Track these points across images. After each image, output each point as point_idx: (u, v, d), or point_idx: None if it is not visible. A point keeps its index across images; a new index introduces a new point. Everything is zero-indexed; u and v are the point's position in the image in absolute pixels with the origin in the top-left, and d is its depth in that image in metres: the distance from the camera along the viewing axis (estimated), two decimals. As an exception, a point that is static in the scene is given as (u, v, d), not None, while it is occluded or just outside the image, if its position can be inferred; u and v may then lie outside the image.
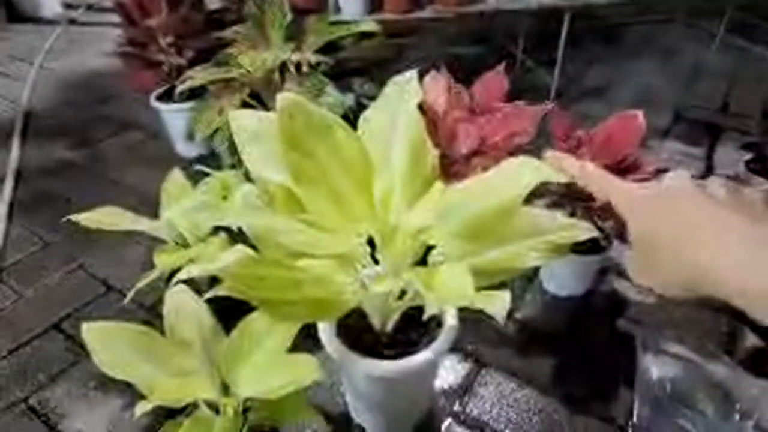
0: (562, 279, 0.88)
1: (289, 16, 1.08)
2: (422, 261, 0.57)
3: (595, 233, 0.55)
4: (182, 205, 0.70)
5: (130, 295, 0.68)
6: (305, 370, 0.48)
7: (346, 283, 0.55)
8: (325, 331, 0.60)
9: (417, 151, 0.57)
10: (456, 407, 0.73)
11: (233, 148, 0.95)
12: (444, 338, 0.60)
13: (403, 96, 0.60)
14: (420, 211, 0.53)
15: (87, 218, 0.74)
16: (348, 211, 0.54)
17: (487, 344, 0.81)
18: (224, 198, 0.78)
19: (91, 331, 0.54)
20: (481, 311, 0.39)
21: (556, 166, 0.41)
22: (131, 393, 0.79)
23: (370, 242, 0.57)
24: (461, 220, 0.52)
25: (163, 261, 0.72)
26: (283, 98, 0.52)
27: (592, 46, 1.85)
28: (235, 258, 0.48)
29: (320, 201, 0.53)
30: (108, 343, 0.54)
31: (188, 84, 0.95)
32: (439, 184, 0.51)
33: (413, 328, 0.64)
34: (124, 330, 0.55)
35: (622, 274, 0.93)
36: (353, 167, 0.54)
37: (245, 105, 0.96)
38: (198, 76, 0.96)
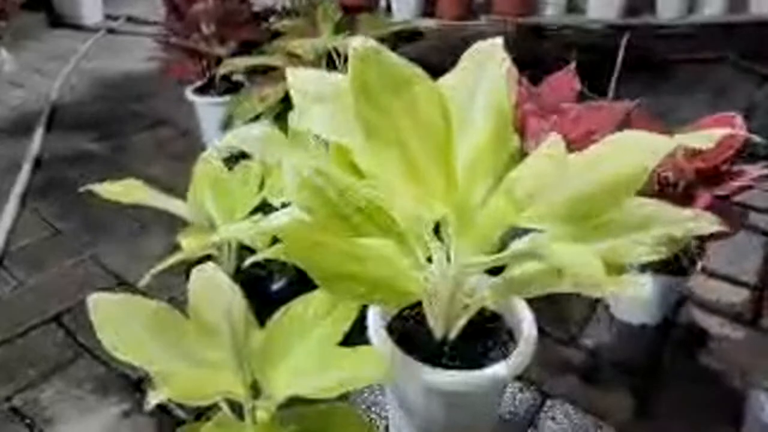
0: (636, 305, 0.76)
1: (339, 14, 1.04)
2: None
3: (721, 228, 0.46)
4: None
5: (146, 278, 0.58)
6: (367, 363, 0.37)
7: (410, 267, 0.46)
8: (376, 328, 0.50)
9: (503, 118, 0.49)
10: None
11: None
12: (521, 350, 0.49)
13: (486, 62, 0.52)
14: (514, 184, 0.43)
15: (106, 189, 0.66)
16: (422, 182, 0.45)
17: (552, 372, 0.70)
18: (262, 181, 0.70)
19: (99, 304, 0.44)
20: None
21: None
22: (132, 399, 0.68)
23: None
24: (566, 197, 0.42)
25: (190, 244, 0.63)
26: (357, 43, 0.44)
27: (644, 79, 1.81)
28: (291, 217, 0.39)
29: (391, 166, 0.45)
30: (118, 319, 0.44)
31: (230, 68, 0.89)
32: (556, 138, 0.41)
33: (479, 340, 0.53)
34: (138, 305, 0.45)
35: (701, 305, 0.81)
36: (432, 130, 0.45)
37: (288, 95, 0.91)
38: (241, 62, 0.91)
